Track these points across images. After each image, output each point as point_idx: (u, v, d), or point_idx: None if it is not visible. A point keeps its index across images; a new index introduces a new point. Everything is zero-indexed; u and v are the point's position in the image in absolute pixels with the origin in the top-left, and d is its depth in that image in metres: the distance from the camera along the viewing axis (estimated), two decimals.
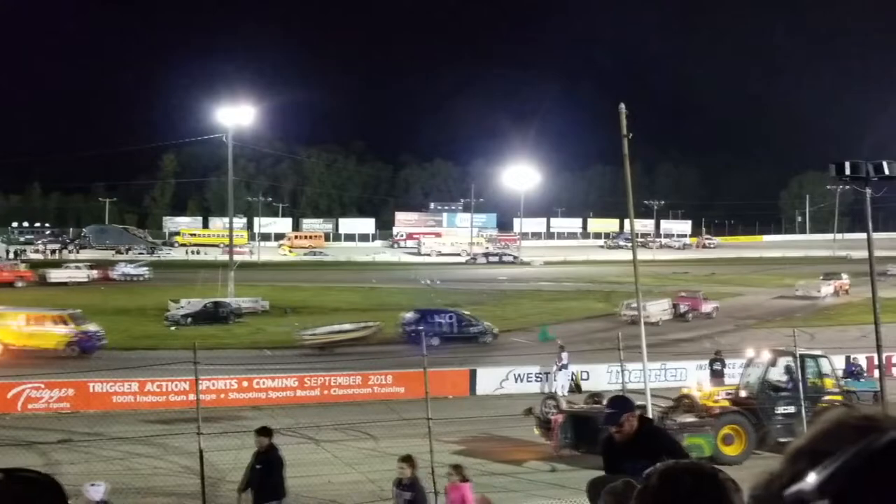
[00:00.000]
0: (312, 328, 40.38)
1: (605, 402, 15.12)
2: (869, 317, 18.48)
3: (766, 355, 23.39)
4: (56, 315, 37.23)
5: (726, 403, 22.13)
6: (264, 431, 13.52)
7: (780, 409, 22.02)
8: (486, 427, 23.63)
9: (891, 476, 0.65)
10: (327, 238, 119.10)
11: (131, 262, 78.56)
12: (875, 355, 19.15)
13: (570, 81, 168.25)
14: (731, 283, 68.14)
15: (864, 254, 18.77)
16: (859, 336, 34.64)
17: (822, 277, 61.81)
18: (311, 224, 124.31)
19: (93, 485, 10.63)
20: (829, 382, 23.18)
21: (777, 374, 23.31)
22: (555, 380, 30.42)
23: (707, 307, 50.48)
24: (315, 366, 32.77)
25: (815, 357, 23.74)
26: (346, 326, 40.87)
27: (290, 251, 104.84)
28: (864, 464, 0.66)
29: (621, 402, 7.08)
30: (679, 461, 1.76)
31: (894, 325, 40.06)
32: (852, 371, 29.74)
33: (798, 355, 23.52)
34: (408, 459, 11.94)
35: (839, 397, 22.83)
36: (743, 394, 22.40)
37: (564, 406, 22.06)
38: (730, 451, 20.88)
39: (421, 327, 34.98)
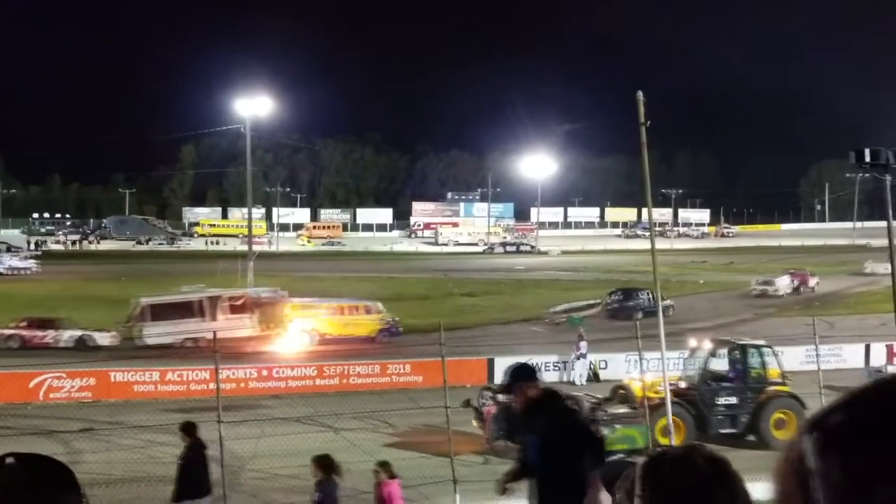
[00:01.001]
0: (553, 306, 43.34)
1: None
2: (889, 305, 18.38)
3: (707, 345, 23.14)
4: (365, 305, 40.18)
5: (782, 388, 22.16)
6: (185, 427, 13.33)
7: (723, 400, 21.84)
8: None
9: (873, 410, 0.66)
10: (345, 228, 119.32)
11: (17, 253, 76.69)
12: (895, 343, 19.06)
13: (588, 70, 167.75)
14: (749, 271, 67.80)
15: (884, 241, 18.68)
16: (878, 324, 34.42)
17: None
18: (329, 214, 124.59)
19: None
20: (773, 373, 22.85)
21: (721, 365, 23.15)
22: (573, 369, 30.44)
23: (812, 281, 56.61)
24: (332, 355, 32.97)
25: (758, 347, 23.49)
26: (576, 304, 45.73)
27: (309, 241, 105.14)
28: (851, 400, 0.67)
29: (518, 371, 6.71)
30: (689, 445, 1.77)
31: None
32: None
33: (740, 345, 23.49)
34: (321, 460, 11.64)
35: (785, 388, 22.57)
36: (682, 385, 22.14)
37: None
38: (668, 442, 20.41)
39: (629, 303, 43.91)
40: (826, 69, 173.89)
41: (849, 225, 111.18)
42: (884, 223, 18.67)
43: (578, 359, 30.33)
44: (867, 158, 17.22)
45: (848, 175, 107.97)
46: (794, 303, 50.84)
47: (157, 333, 35.72)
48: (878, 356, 32.27)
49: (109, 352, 34.04)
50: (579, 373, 30.06)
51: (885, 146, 17.22)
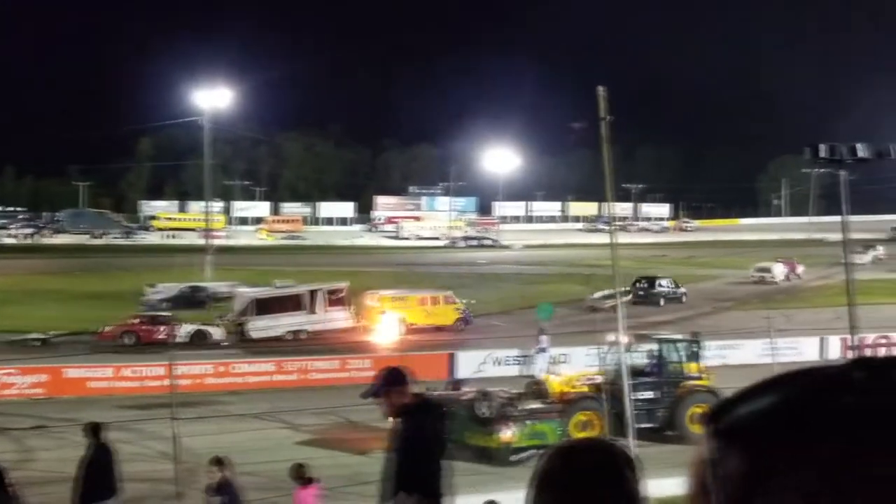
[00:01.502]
0: (600, 292, 41.86)
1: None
2: (844, 298, 18.56)
3: (625, 339, 22.70)
4: (444, 295, 42.10)
5: (585, 389, 21.87)
6: (89, 429, 13.11)
7: (640, 395, 21.71)
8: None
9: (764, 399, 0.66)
10: (306, 222, 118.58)
11: None
12: (849, 336, 19.24)
13: (551, 64, 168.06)
14: (708, 265, 68.43)
15: (839, 236, 18.84)
16: (833, 318, 34.80)
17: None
18: (290, 208, 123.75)
19: None
20: (693, 367, 22.85)
21: (641, 359, 23.12)
22: (534, 363, 30.45)
23: (799, 269, 60.56)
24: (292, 351, 32.71)
25: (676, 341, 23.51)
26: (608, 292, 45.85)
27: (269, 235, 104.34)
28: (747, 393, 0.67)
29: (387, 375, 6.37)
30: (581, 439, 1.76)
31: (869, 306, 40.45)
32: None
33: (658, 339, 23.56)
34: (218, 462, 11.41)
35: (705, 381, 22.61)
36: (598, 379, 22.08)
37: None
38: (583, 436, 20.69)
39: (654, 290, 48.16)
40: (785, 66, 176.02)
41: (806, 219, 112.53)
42: (840, 217, 18.81)
43: (539, 353, 30.34)
44: (822, 154, 17.37)
45: (805, 170, 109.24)
46: (754, 296, 51.33)
47: (262, 327, 36.74)
48: (834, 349, 32.69)
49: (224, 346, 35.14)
50: (540, 366, 30.07)
51: (840, 142, 17.37)
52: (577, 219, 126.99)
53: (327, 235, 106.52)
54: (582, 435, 20.46)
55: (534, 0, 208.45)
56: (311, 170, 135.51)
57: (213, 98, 60.12)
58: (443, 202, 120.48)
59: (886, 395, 0.61)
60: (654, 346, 23.37)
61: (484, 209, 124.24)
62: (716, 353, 31.14)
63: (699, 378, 22.65)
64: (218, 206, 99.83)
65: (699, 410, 20.94)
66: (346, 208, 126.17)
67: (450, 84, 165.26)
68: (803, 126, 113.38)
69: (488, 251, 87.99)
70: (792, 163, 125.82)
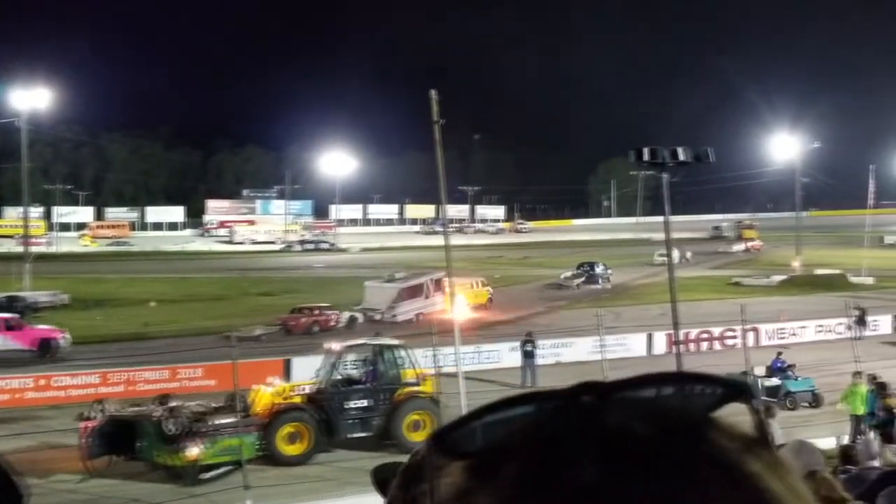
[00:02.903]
0: (567, 272, 55.41)
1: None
2: (669, 295, 19.31)
3: (337, 347, 22.46)
4: (482, 280, 48.94)
5: (297, 400, 20.99)
6: None
7: (353, 403, 21.24)
8: None
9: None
10: (133, 227, 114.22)
11: None
12: (673, 332, 20.01)
13: (387, 68, 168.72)
14: (543, 265, 70.17)
15: (664, 235, 19.59)
16: (659, 314, 36.33)
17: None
18: (116, 213, 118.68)
19: None
20: (409, 373, 22.19)
21: (355, 367, 22.82)
22: None
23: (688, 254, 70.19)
24: (119, 361, 31.28)
25: (392, 347, 22.97)
26: (568, 273, 58.55)
27: (93, 241, 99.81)
28: (471, 416, 0.66)
29: None
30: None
31: (692, 303, 42.49)
32: (779, 367, 26.20)
33: (372, 346, 22.91)
34: None
35: (428, 388, 22.00)
36: (307, 389, 21.56)
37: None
38: (293, 449, 20.17)
39: (594, 271, 58.24)
40: (614, 71, 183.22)
41: (634, 220, 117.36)
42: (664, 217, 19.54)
43: None
44: (646, 157, 18.00)
45: (632, 173, 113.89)
46: (585, 295, 53.01)
47: (403, 311, 42.59)
48: (660, 345, 34.07)
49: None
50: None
51: (663, 145, 18.03)
52: (414, 221, 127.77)
53: (156, 241, 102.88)
54: (291, 448, 19.98)
55: (369, 4, 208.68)
56: (138, 173, 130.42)
57: (31, 98, 57.04)
58: (278, 205, 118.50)
59: (611, 417, 0.62)
60: (369, 354, 22.65)
61: (320, 212, 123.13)
62: (550, 351, 31.96)
63: (417, 384, 21.96)
64: (37, 211, 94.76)
65: (418, 417, 21.02)
66: (176, 212, 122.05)
67: (284, 86, 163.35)
68: (632, 129, 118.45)
69: (325, 255, 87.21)
70: (620, 165, 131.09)
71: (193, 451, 18.46)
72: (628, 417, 0.61)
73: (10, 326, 34.87)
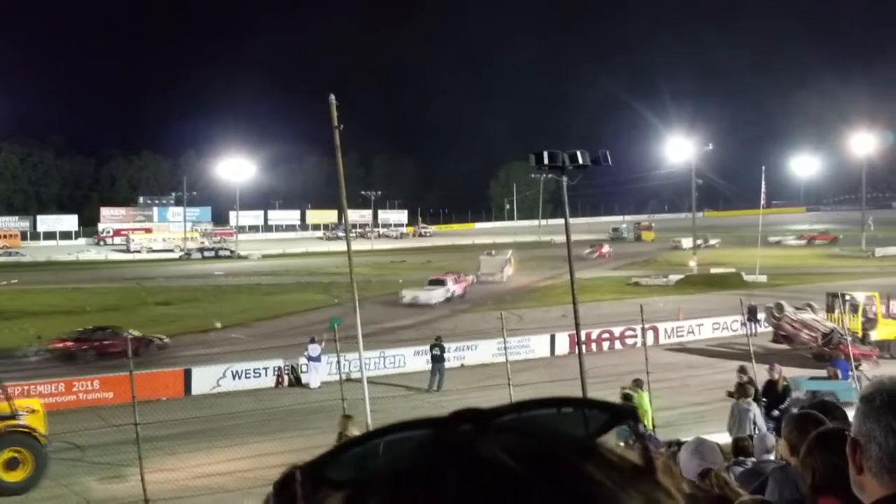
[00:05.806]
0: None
1: None
2: (570, 297, 19.53)
3: None
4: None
5: (12, 422, 18.55)
6: None
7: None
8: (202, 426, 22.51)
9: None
10: (24, 237, 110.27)
11: None
12: (575, 333, 20.26)
13: (284, 73, 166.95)
14: (446, 269, 70.33)
15: (564, 237, 19.83)
16: (561, 315, 36.80)
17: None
18: (5, 222, 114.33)
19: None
20: (4, 406, 18.68)
21: None
22: (304, 371, 29.50)
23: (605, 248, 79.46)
24: (12, 375, 30.03)
25: None
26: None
27: None
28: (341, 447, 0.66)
29: None
30: None
31: (592, 303, 43.20)
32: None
33: None
34: None
35: (33, 420, 18.90)
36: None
37: None
38: (13, 477, 18.37)
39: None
40: (513, 75, 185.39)
41: (535, 222, 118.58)
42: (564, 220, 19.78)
43: (311, 361, 29.30)
44: (545, 161, 18.22)
45: (533, 176, 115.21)
46: (488, 298, 53.33)
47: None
48: (562, 345, 34.51)
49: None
50: (313, 377, 29.07)
51: (562, 149, 18.27)
52: (316, 227, 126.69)
53: (48, 250, 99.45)
54: (11, 475, 18.16)
55: (266, 10, 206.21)
56: (29, 182, 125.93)
57: None
58: (175, 213, 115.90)
59: (484, 448, 0.60)
60: None
61: (220, 219, 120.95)
62: (454, 354, 32.04)
63: (12, 417, 18.66)
64: None
65: (16, 454, 18.59)
66: (69, 221, 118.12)
67: (180, 91, 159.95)
68: (533, 133, 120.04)
69: (225, 262, 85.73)
70: (521, 169, 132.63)
71: None
72: (501, 448, 0.59)
73: None
